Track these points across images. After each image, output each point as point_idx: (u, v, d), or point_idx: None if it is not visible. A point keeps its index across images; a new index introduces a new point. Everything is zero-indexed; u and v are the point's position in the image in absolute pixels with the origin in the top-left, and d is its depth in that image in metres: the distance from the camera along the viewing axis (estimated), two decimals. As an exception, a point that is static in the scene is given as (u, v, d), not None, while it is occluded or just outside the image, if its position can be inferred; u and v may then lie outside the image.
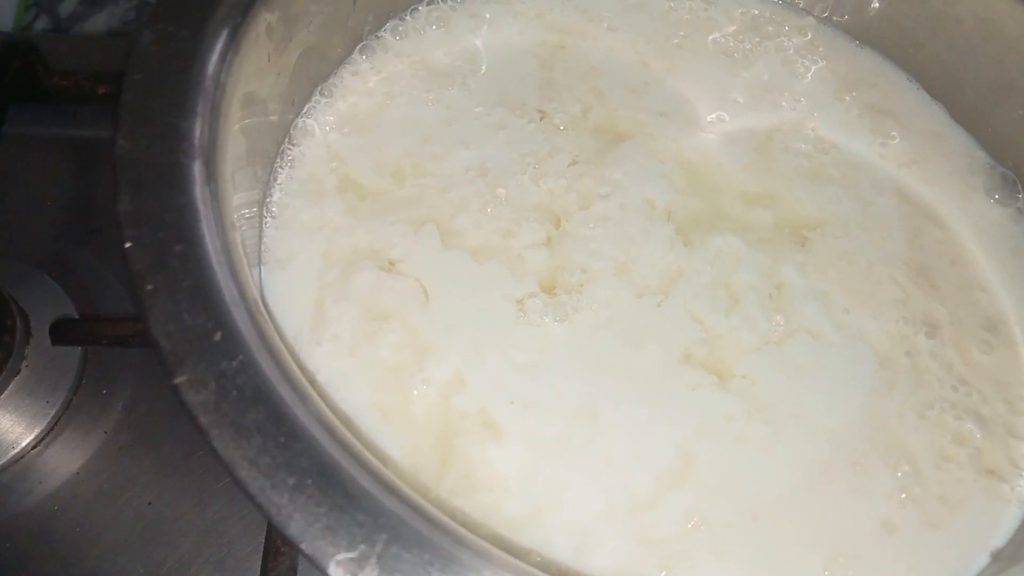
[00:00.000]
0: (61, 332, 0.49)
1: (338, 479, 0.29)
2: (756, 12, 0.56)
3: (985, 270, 0.49)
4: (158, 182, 0.34)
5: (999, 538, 0.42)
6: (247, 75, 0.40)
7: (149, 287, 0.31)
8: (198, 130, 0.35)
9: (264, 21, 0.41)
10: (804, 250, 0.48)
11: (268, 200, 0.47)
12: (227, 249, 0.34)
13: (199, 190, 0.34)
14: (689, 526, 0.40)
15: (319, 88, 0.50)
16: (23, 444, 0.48)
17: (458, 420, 0.42)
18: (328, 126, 0.50)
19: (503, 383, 0.43)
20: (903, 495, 0.42)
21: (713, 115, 0.53)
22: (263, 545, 0.44)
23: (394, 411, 0.42)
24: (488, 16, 0.55)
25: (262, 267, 0.45)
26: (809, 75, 0.55)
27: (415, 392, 0.42)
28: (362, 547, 0.28)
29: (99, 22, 0.74)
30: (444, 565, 0.28)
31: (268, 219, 0.46)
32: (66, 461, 0.49)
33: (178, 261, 0.32)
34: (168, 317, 0.31)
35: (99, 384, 0.51)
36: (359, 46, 0.52)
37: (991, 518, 0.42)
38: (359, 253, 0.45)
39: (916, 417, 0.44)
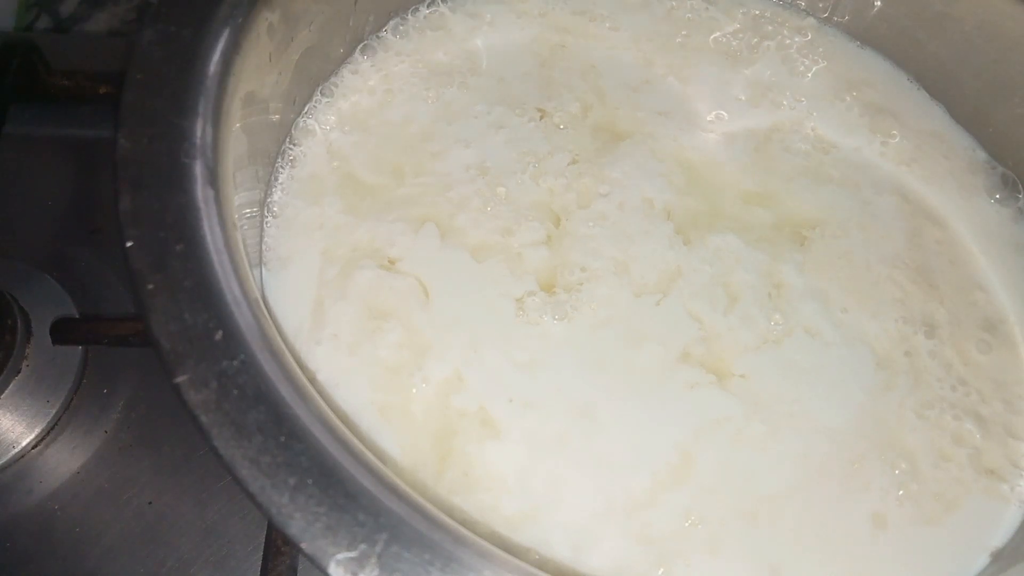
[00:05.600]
0: (62, 332, 0.49)
1: (338, 478, 0.29)
2: (757, 12, 0.56)
3: (985, 270, 0.49)
4: (159, 181, 0.34)
5: (999, 538, 0.42)
6: (248, 75, 0.40)
7: (150, 286, 0.31)
8: (199, 130, 0.35)
9: (265, 21, 0.41)
10: (803, 249, 0.48)
11: (269, 199, 0.47)
12: (228, 248, 0.34)
13: (200, 189, 0.34)
14: (687, 524, 0.40)
15: (320, 87, 0.50)
16: (23, 444, 0.48)
17: (457, 418, 0.42)
18: (329, 125, 0.50)
19: (502, 381, 0.43)
20: (900, 492, 0.42)
21: (713, 114, 0.53)
22: (263, 545, 0.45)
23: (393, 410, 0.42)
24: (488, 16, 0.55)
25: (263, 266, 0.45)
26: (810, 75, 0.55)
27: (414, 391, 0.42)
28: (362, 546, 0.28)
29: (100, 22, 0.74)
30: (444, 564, 0.29)
31: (269, 218, 0.46)
32: (66, 461, 0.49)
33: (179, 260, 0.32)
34: (169, 316, 0.31)
35: (99, 384, 0.51)
36: (360, 46, 0.52)
37: (990, 518, 0.42)
38: (359, 252, 0.46)
39: (915, 417, 0.44)
